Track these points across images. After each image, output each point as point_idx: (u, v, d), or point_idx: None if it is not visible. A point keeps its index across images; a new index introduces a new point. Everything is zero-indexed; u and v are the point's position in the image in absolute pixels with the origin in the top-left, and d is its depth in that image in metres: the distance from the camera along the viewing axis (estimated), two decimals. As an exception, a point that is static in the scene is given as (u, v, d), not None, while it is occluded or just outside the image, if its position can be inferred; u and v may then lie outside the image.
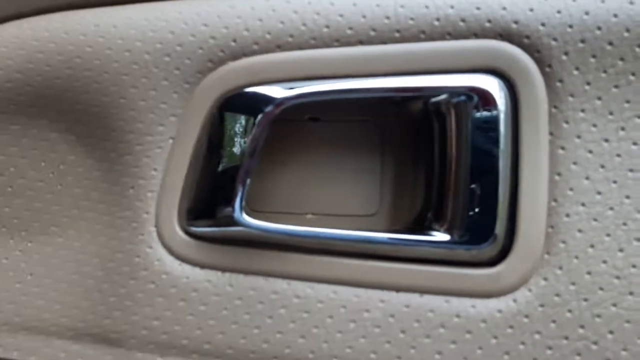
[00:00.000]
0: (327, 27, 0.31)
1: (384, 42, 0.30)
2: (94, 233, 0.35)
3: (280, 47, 0.31)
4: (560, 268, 0.29)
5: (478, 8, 0.30)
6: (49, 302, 0.35)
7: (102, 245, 0.34)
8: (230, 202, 0.31)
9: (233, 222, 0.31)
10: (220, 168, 0.32)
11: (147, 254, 0.33)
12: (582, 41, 0.28)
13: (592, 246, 0.28)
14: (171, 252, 0.33)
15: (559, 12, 0.29)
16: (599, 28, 0.28)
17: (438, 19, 0.30)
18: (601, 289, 0.28)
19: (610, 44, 0.28)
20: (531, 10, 0.29)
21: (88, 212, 0.35)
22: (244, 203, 0.32)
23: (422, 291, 0.30)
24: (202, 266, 0.33)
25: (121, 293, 0.34)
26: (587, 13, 0.28)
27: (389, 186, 0.35)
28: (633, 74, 0.28)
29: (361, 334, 0.31)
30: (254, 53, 0.32)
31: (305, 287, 0.31)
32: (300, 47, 0.31)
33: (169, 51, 0.32)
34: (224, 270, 0.33)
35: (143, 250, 0.33)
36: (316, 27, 0.31)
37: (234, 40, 0.32)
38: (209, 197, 0.32)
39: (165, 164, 0.33)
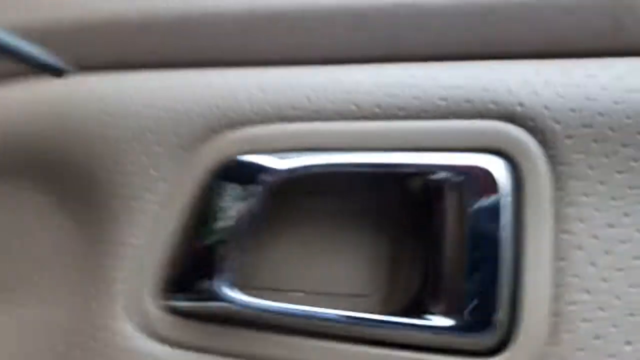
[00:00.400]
0: (332, 102, 0.31)
1: (387, 119, 0.30)
2: (63, 303, 0.32)
3: (281, 119, 0.30)
4: None
5: (484, 89, 0.29)
6: None
7: (70, 317, 0.32)
8: (214, 275, 0.29)
9: (215, 296, 0.29)
10: (208, 239, 0.30)
11: (115, 329, 0.30)
12: (585, 126, 0.28)
13: (597, 337, 0.27)
14: (142, 327, 0.30)
15: (562, 97, 0.29)
16: (601, 114, 0.28)
17: (443, 99, 0.30)
18: None
19: (612, 129, 0.28)
20: (536, 94, 0.29)
21: (60, 280, 0.32)
22: (230, 278, 0.29)
23: None
24: (174, 344, 0.30)
25: None
26: (589, 99, 0.29)
27: (385, 266, 0.33)
28: (635, 160, 0.28)
29: None
30: (254, 123, 0.30)
31: None
32: (302, 120, 0.30)
33: (168, 117, 0.31)
34: (198, 350, 0.30)
35: (112, 324, 0.31)
36: (319, 102, 0.30)
37: (235, 110, 0.30)
38: (191, 270, 0.30)
39: (148, 232, 0.31)
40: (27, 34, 0.31)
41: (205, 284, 0.30)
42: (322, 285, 0.33)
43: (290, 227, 0.34)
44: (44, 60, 0.23)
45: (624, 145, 0.28)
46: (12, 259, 0.33)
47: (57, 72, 0.24)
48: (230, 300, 0.29)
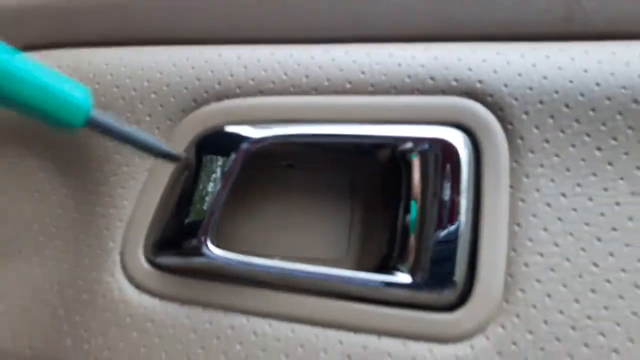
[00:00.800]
0: (307, 77, 0.32)
1: (358, 94, 0.31)
2: (58, 260, 0.33)
3: (262, 92, 0.32)
4: (518, 316, 0.28)
5: (446, 68, 0.30)
6: (0, 325, 0.33)
7: (64, 272, 0.33)
8: (197, 234, 0.30)
9: (198, 253, 0.30)
10: (191, 202, 0.31)
11: (107, 282, 0.32)
12: (541, 102, 0.29)
13: (549, 296, 0.28)
14: (132, 281, 0.32)
15: (520, 75, 0.30)
16: (556, 92, 0.29)
17: (409, 76, 0.32)
18: (557, 339, 0.27)
19: (567, 106, 0.29)
20: (495, 72, 0.30)
21: (55, 240, 0.33)
22: (211, 237, 0.31)
23: (381, 333, 0.29)
24: (162, 297, 0.31)
25: (76, 321, 0.31)
26: (545, 77, 0.29)
27: (357, 232, 0.34)
28: (588, 135, 0.29)
29: None
30: (236, 96, 0.32)
31: (264, 324, 0.30)
32: (281, 94, 0.32)
33: (156, 89, 0.32)
34: (183, 302, 0.31)
35: (104, 278, 0.32)
36: (296, 76, 0.32)
37: (219, 83, 0.32)
38: (177, 230, 0.31)
39: (138, 195, 0.32)
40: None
41: (190, 243, 0.31)
42: (298, 250, 0.34)
43: (271, 199, 0.35)
44: (163, 149, 0.26)
45: (578, 121, 0.29)
46: (10, 219, 0.35)
47: (175, 159, 0.27)
48: (212, 257, 0.30)
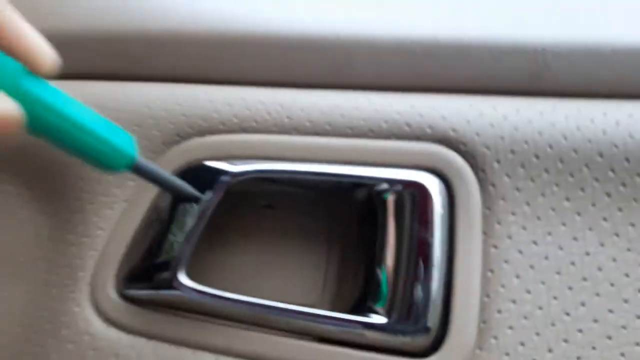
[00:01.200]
0: (288, 117, 0.33)
1: (337, 136, 0.31)
2: (24, 288, 0.31)
3: (244, 130, 0.31)
4: None
5: (421, 115, 0.30)
6: None
7: (30, 301, 0.31)
8: (171, 267, 0.29)
9: (170, 285, 0.29)
10: (167, 235, 0.30)
11: (73, 312, 0.30)
12: (512, 152, 0.29)
13: (522, 344, 0.26)
14: (100, 313, 0.30)
15: (492, 125, 0.29)
16: (527, 142, 0.29)
17: (386, 122, 0.31)
18: None
19: (537, 156, 0.29)
20: (468, 121, 0.30)
21: (24, 267, 0.32)
22: (185, 270, 0.29)
23: None
24: (130, 331, 0.29)
25: (36, 352, 0.29)
26: (516, 129, 0.29)
27: (333, 274, 0.33)
28: (557, 185, 0.28)
29: None
30: (220, 132, 0.32)
31: None
32: (263, 132, 0.31)
33: (140, 122, 0.32)
34: (151, 337, 0.29)
35: (70, 309, 0.30)
36: (278, 117, 0.31)
37: (203, 119, 0.31)
38: (151, 262, 0.30)
39: (114, 225, 0.31)
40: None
41: (163, 275, 0.29)
42: (273, 292, 0.32)
43: (249, 239, 0.34)
44: (192, 192, 0.29)
45: (547, 171, 0.28)
46: None
47: (195, 199, 0.30)
48: (184, 290, 0.29)
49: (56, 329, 0.30)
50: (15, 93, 0.19)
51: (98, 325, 0.30)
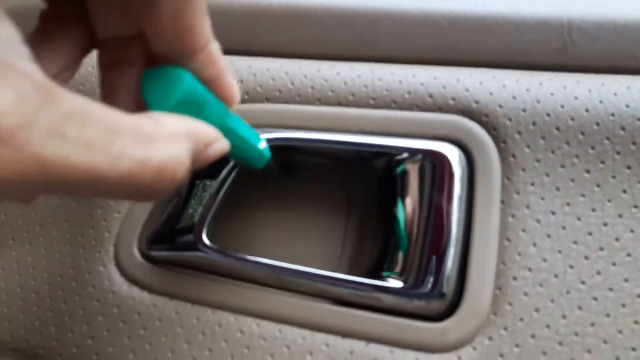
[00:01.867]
0: (312, 87, 0.33)
1: (360, 106, 0.32)
2: (51, 249, 0.32)
3: (268, 100, 0.32)
4: (506, 329, 0.27)
5: (444, 87, 0.31)
6: None
7: (55, 261, 0.32)
8: (193, 229, 0.30)
9: (193, 247, 0.30)
10: (190, 198, 0.31)
11: (98, 272, 0.31)
12: (534, 124, 0.29)
13: (537, 310, 0.27)
14: (124, 273, 0.31)
15: (514, 97, 0.30)
16: (548, 115, 0.29)
17: (409, 92, 0.33)
18: (544, 353, 0.26)
19: (558, 129, 0.29)
20: (491, 93, 0.30)
21: (50, 229, 0.33)
22: (206, 233, 0.30)
23: (368, 339, 0.28)
24: (152, 290, 0.30)
25: (61, 308, 0.30)
26: (538, 101, 0.30)
27: (352, 240, 0.33)
28: (577, 157, 0.29)
29: None
30: (244, 101, 0.33)
31: (251, 323, 0.29)
32: (286, 102, 0.32)
33: None
34: (172, 297, 0.30)
35: (95, 268, 0.31)
36: (302, 87, 0.32)
37: None
38: (174, 225, 0.31)
39: None
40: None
41: (185, 237, 0.30)
42: (292, 259, 0.32)
43: (271, 207, 0.35)
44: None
45: (567, 143, 0.29)
46: (7, 208, 0.35)
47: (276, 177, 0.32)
48: (206, 252, 0.30)
49: (82, 287, 0.31)
50: (220, 128, 0.22)
51: (121, 284, 0.31)
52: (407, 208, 0.30)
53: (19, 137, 0.13)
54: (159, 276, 0.30)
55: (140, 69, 0.21)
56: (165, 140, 0.17)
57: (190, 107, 0.21)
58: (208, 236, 0.30)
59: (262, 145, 0.27)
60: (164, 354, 0.29)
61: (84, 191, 0.15)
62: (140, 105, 0.21)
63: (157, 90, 0.21)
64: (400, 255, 0.29)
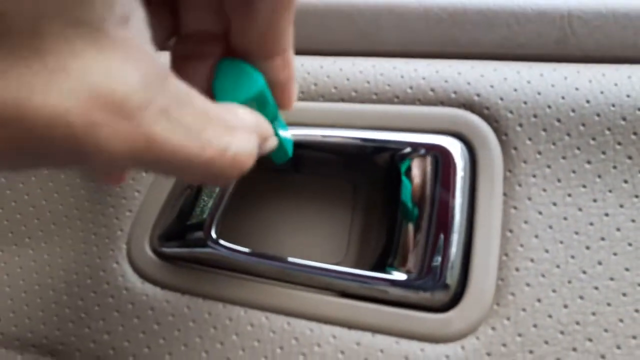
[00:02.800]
0: (315, 84, 0.34)
1: (362, 102, 0.33)
2: (66, 247, 0.33)
3: None
4: (508, 319, 0.27)
5: (446, 81, 0.31)
6: (3, 310, 0.32)
7: (71, 259, 0.33)
8: (203, 226, 0.31)
9: (203, 244, 0.31)
10: (199, 196, 0.32)
11: (112, 269, 0.32)
12: (535, 116, 0.30)
13: (539, 300, 0.27)
14: (137, 269, 0.32)
15: (515, 90, 0.30)
16: (549, 106, 0.30)
17: (411, 87, 0.33)
18: (546, 342, 0.27)
19: (559, 120, 0.29)
20: (492, 86, 0.30)
21: (65, 228, 0.34)
22: (215, 230, 0.31)
23: (374, 330, 0.28)
24: (165, 286, 0.31)
25: (78, 305, 0.31)
26: (539, 93, 0.30)
27: (357, 235, 0.34)
28: (578, 148, 0.29)
29: None
30: None
31: (260, 316, 0.30)
32: None
33: None
34: (184, 292, 0.31)
35: (109, 266, 0.32)
36: (305, 84, 0.33)
37: None
38: (184, 222, 0.31)
39: (149, 187, 0.33)
40: None
41: (195, 234, 0.31)
42: (298, 253, 0.33)
43: (277, 201, 0.35)
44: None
45: (568, 135, 0.29)
46: (23, 207, 0.36)
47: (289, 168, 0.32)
48: (216, 248, 0.31)
49: (97, 284, 0.31)
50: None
51: (135, 281, 0.31)
52: (411, 202, 0.30)
53: (139, 115, 0.13)
54: (171, 272, 0.31)
55: (214, 63, 0.22)
56: (242, 132, 0.18)
57: (254, 105, 0.21)
58: (217, 232, 0.31)
59: (287, 135, 0.27)
60: (177, 348, 0.30)
61: (170, 171, 0.16)
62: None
63: (230, 83, 0.21)
64: (405, 247, 0.30)
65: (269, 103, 0.22)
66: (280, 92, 0.23)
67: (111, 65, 0.13)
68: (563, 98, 0.30)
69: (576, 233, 0.28)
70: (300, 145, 0.33)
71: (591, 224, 0.28)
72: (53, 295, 0.32)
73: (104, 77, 0.12)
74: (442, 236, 0.29)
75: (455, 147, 0.30)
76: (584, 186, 0.29)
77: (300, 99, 0.33)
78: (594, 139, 0.29)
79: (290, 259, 0.30)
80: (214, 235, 0.31)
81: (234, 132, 0.17)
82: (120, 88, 0.13)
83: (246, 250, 0.31)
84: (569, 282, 0.28)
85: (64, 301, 0.32)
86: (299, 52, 0.34)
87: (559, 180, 0.29)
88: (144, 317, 0.30)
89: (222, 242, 0.31)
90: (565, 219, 0.29)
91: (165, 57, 0.20)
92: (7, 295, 0.33)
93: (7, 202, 0.35)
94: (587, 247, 0.28)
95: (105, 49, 0.13)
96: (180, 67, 0.22)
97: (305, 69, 0.33)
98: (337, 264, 0.33)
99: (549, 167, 0.29)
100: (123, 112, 0.13)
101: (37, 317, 0.32)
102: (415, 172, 0.31)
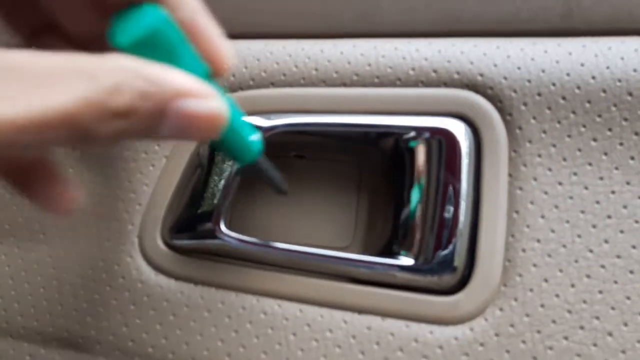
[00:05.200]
0: (316, 69, 0.33)
1: (364, 86, 0.32)
2: (79, 242, 0.34)
3: (273, 84, 0.32)
4: (516, 300, 0.28)
5: (448, 61, 0.31)
6: (24, 305, 0.33)
7: (85, 253, 0.33)
8: (211, 218, 0.31)
9: (213, 235, 0.31)
10: (206, 187, 0.32)
11: (126, 263, 0.32)
12: (539, 94, 0.29)
13: (546, 280, 0.28)
14: (150, 262, 0.32)
15: (519, 68, 0.29)
16: (554, 84, 0.29)
17: (413, 69, 0.32)
18: (554, 321, 0.27)
19: (564, 98, 0.29)
20: (495, 65, 0.30)
21: (77, 223, 0.34)
22: (224, 220, 0.31)
23: (384, 314, 0.29)
24: (178, 278, 0.32)
25: (95, 299, 0.32)
26: (543, 71, 0.29)
27: (364, 220, 0.34)
28: (584, 126, 0.29)
29: (322, 352, 0.29)
30: (250, 87, 0.33)
31: (273, 304, 0.30)
32: (291, 86, 0.32)
33: None
34: (197, 283, 0.31)
35: (123, 260, 0.32)
36: (306, 69, 0.32)
37: (233, 75, 0.33)
38: (193, 214, 0.32)
39: (157, 180, 0.33)
40: None
41: (205, 226, 0.31)
42: (306, 238, 0.34)
43: None
44: (281, 186, 0.29)
45: (574, 112, 0.29)
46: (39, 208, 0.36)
47: (283, 193, 0.30)
48: (226, 239, 0.31)
49: (112, 278, 0.32)
50: None
51: (149, 273, 0.32)
52: (416, 186, 0.30)
53: None
54: (183, 264, 0.32)
55: None
56: (108, 74, 0.15)
57: (161, 56, 0.17)
58: (226, 222, 0.31)
59: (255, 138, 0.24)
60: (193, 337, 0.30)
61: (29, 143, 0.14)
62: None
63: (125, 27, 0.17)
64: (412, 231, 0.30)
65: (183, 54, 0.18)
66: (194, 39, 0.19)
67: None
68: (568, 75, 0.29)
69: (582, 212, 0.28)
70: (304, 132, 0.32)
71: (597, 202, 0.28)
72: (70, 290, 0.33)
73: None
74: (448, 219, 0.29)
75: (459, 129, 0.30)
76: (590, 164, 0.28)
77: (302, 85, 0.32)
78: (599, 115, 0.28)
79: (300, 248, 0.30)
80: (222, 226, 0.31)
81: (95, 76, 0.15)
82: None
83: (255, 240, 0.31)
84: (576, 261, 0.28)
85: (81, 295, 0.32)
86: (299, 35, 0.33)
87: (564, 159, 0.29)
88: (160, 308, 0.31)
89: (231, 233, 0.31)
90: (571, 198, 0.28)
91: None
92: (27, 291, 0.34)
93: (21, 199, 0.35)
94: (594, 226, 0.28)
95: None
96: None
97: (306, 54, 0.32)
98: (344, 248, 0.33)
99: (554, 146, 0.29)
100: None
101: (57, 311, 0.33)
102: (420, 156, 0.30)
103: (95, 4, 0.19)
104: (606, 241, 0.28)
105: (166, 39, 0.17)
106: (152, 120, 0.16)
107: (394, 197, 0.32)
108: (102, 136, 0.15)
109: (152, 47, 0.17)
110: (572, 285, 0.27)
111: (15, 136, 0.14)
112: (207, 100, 0.17)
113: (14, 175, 0.21)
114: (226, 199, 0.31)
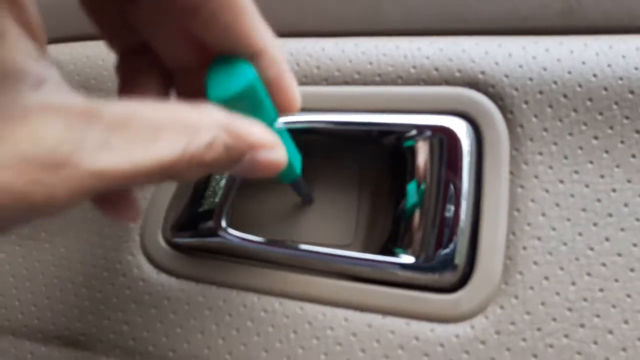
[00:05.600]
0: (318, 68, 0.33)
1: (366, 84, 0.32)
2: (81, 240, 0.34)
3: None
4: (517, 297, 0.28)
5: (450, 59, 0.31)
6: (25, 303, 0.33)
7: (87, 252, 0.33)
8: (213, 216, 0.31)
9: (214, 233, 0.31)
10: (208, 186, 0.32)
11: (128, 261, 0.32)
12: (540, 92, 0.29)
13: (546, 278, 0.28)
14: (151, 260, 0.32)
15: (520, 66, 0.30)
16: (555, 82, 0.29)
17: (414, 67, 0.32)
18: (554, 319, 0.27)
19: (565, 96, 0.29)
20: (496, 63, 0.30)
21: (78, 221, 0.34)
22: (226, 219, 0.31)
23: (385, 312, 0.29)
24: (179, 276, 0.32)
25: (97, 297, 0.32)
26: (544, 69, 0.29)
27: (365, 218, 0.34)
28: (585, 124, 0.29)
29: (322, 350, 0.29)
30: None
31: (273, 302, 0.30)
32: None
33: None
34: (198, 281, 0.31)
35: (125, 258, 0.32)
36: (308, 67, 0.32)
37: None
38: (195, 212, 0.32)
39: None
40: None
41: (206, 224, 0.31)
42: (307, 237, 0.34)
43: (280, 185, 0.35)
44: (310, 196, 0.32)
45: (575, 110, 0.29)
46: None
47: (310, 203, 0.32)
48: (227, 237, 0.31)
49: (114, 276, 0.32)
50: None
51: (150, 271, 0.32)
52: (417, 184, 0.30)
53: (73, 159, 0.14)
54: (185, 262, 0.32)
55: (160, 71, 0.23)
56: (205, 129, 0.17)
57: (247, 105, 0.20)
58: (227, 221, 0.31)
59: (299, 160, 0.26)
60: (194, 336, 0.30)
61: (136, 183, 0.16)
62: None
63: (221, 79, 0.20)
64: (412, 229, 0.30)
65: (264, 104, 0.21)
66: (276, 92, 0.22)
67: (32, 129, 0.14)
68: (569, 73, 0.29)
69: (583, 210, 0.28)
70: (305, 131, 0.32)
71: (598, 200, 0.28)
72: (72, 288, 0.33)
73: (28, 141, 0.14)
74: (449, 217, 0.29)
75: (460, 128, 0.30)
76: (591, 162, 0.28)
77: (304, 83, 0.32)
78: (601, 113, 0.28)
79: (301, 246, 0.30)
80: (224, 224, 0.31)
81: (194, 132, 0.17)
82: (45, 145, 0.14)
83: (257, 239, 0.31)
84: (577, 259, 0.28)
85: (83, 294, 0.32)
86: (299, 34, 0.33)
87: (565, 157, 0.29)
88: (161, 307, 0.31)
89: (232, 231, 0.31)
90: (572, 196, 0.28)
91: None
92: (28, 289, 0.34)
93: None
94: (595, 224, 0.28)
95: (23, 116, 0.14)
96: (131, 81, 0.22)
97: (307, 52, 0.32)
98: (346, 246, 0.33)
99: (555, 144, 0.29)
100: (55, 163, 0.14)
101: (58, 309, 0.33)
102: (421, 154, 0.30)
103: (192, 42, 0.21)
104: (607, 239, 0.28)
105: (254, 94, 0.20)
106: (229, 166, 0.19)
107: (395, 195, 0.32)
108: (187, 178, 0.18)
109: (240, 101, 0.20)
110: (573, 283, 0.27)
111: (116, 181, 0.15)
112: (274, 151, 0.20)
113: (97, 198, 0.23)
114: (228, 197, 0.31)
